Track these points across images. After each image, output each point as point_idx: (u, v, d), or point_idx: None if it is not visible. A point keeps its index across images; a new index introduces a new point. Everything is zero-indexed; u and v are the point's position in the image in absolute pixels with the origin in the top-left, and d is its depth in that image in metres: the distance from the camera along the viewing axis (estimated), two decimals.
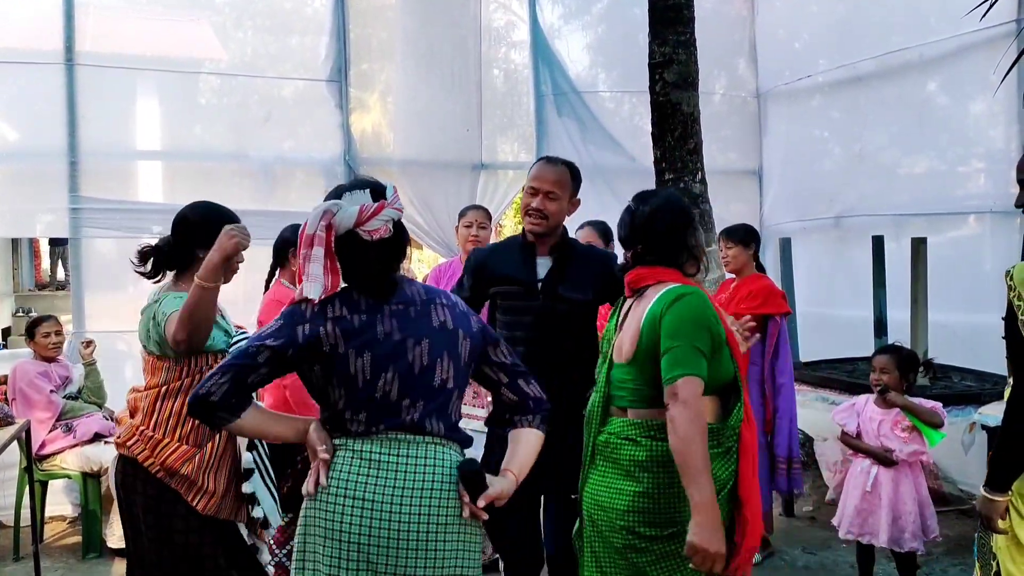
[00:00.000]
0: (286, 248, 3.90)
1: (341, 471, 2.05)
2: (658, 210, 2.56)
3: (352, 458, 2.06)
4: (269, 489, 2.94)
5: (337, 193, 2.16)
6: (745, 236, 4.62)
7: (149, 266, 2.79)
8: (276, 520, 2.99)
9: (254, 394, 2.15)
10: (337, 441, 2.09)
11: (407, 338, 2.10)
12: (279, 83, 6.28)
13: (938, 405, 3.81)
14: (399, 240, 2.16)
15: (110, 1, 6.04)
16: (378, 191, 2.13)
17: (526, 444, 2.22)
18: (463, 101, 6.53)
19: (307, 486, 2.09)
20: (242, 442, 2.82)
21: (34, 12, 5.86)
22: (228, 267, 2.62)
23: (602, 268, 3.17)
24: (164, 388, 2.64)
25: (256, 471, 2.86)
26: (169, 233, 2.81)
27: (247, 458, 2.84)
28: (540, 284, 3.13)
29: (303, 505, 2.12)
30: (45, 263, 9.74)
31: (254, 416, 2.10)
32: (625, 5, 6.78)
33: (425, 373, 2.10)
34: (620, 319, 2.63)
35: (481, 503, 2.04)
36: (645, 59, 5.54)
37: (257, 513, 2.86)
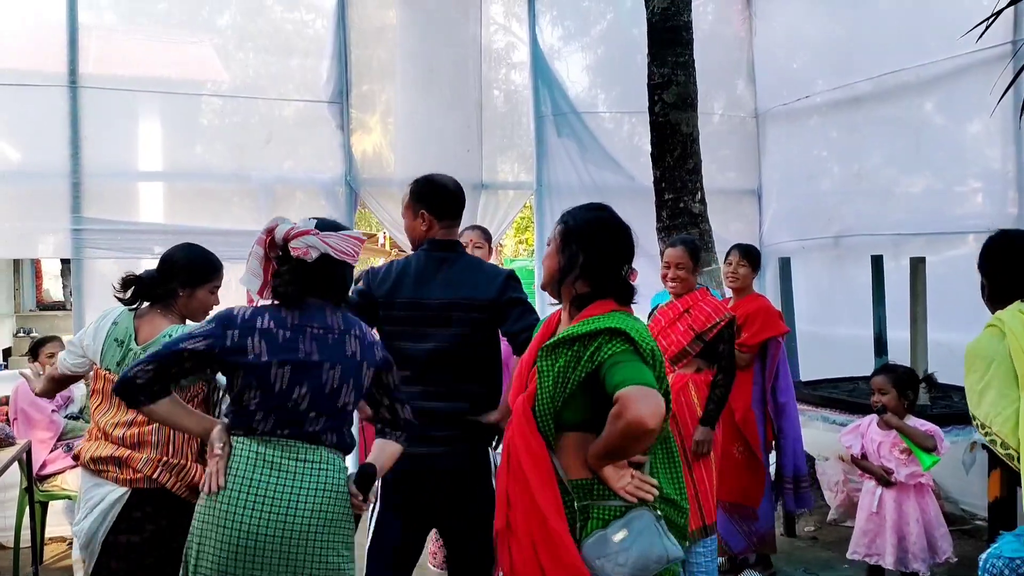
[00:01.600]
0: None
1: (241, 470, 2.30)
2: (591, 227, 2.43)
3: (254, 459, 2.31)
4: None
5: (331, 225, 2.51)
6: (754, 258, 4.69)
7: (129, 294, 2.95)
8: None
9: (172, 385, 2.41)
10: (239, 440, 2.34)
11: (323, 361, 2.39)
12: (280, 104, 6.32)
13: (935, 429, 3.82)
14: (327, 272, 2.43)
15: (113, 23, 6.06)
16: (330, 227, 2.46)
17: (390, 452, 2.57)
18: (463, 121, 6.56)
19: (206, 484, 2.30)
20: None
21: (37, 35, 5.90)
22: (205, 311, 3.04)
23: None
24: None
25: None
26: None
27: None
28: None
29: (198, 501, 2.35)
30: (47, 283, 9.75)
31: (168, 405, 2.38)
32: (625, 26, 6.85)
33: (332, 395, 2.40)
34: None
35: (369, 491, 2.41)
36: (644, 79, 5.60)
37: None
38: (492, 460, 3.25)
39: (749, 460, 4.48)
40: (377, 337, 2.59)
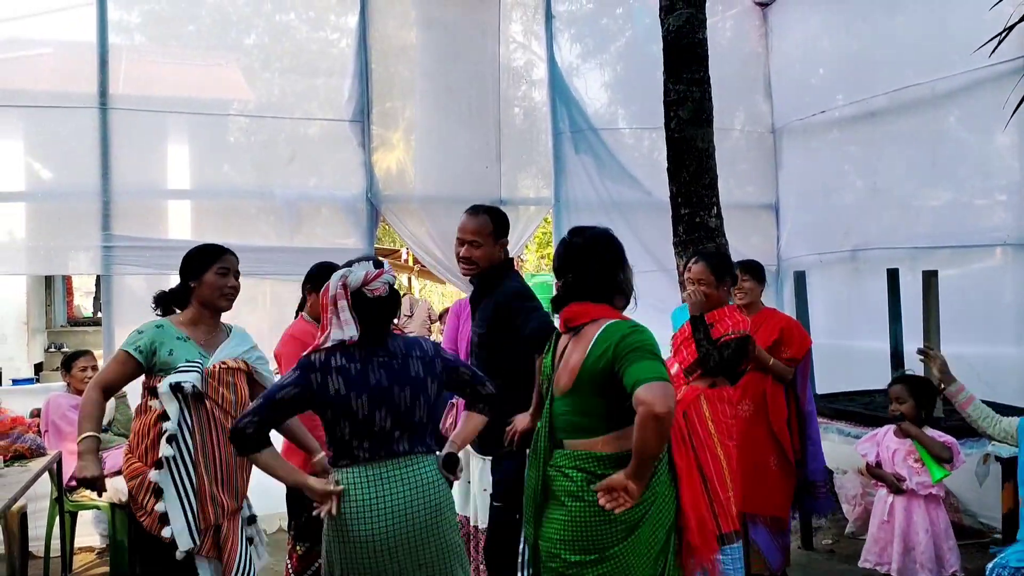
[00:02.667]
0: (305, 284, 4.02)
1: (357, 492, 2.62)
2: (591, 244, 2.72)
3: (364, 481, 2.63)
4: (184, 510, 3.10)
5: (348, 265, 2.78)
6: (759, 273, 4.76)
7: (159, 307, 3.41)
8: (185, 543, 3.09)
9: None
10: (347, 472, 2.66)
11: (393, 385, 2.69)
12: (304, 123, 6.45)
13: (952, 441, 3.84)
14: (393, 301, 2.76)
15: (142, 45, 6.21)
16: (377, 263, 2.77)
17: (473, 424, 2.96)
18: (483, 138, 6.67)
19: (325, 512, 2.62)
20: None
21: (69, 57, 6.09)
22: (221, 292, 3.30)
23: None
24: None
25: (173, 489, 3.08)
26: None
27: (155, 475, 3.08)
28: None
29: (324, 527, 2.69)
30: (78, 299, 9.95)
31: (269, 455, 2.66)
32: (642, 43, 6.93)
33: (409, 412, 2.71)
34: (557, 355, 2.77)
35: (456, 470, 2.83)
36: (662, 95, 5.66)
37: (166, 533, 3.06)
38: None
39: (784, 471, 4.52)
40: (436, 348, 2.90)
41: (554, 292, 2.84)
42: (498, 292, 3.65)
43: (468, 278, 3.82)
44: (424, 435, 2.77)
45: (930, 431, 3.90)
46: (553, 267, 2.86)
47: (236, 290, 3.37)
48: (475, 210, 3.74)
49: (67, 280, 9.43)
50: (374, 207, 6.37)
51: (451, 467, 2.83)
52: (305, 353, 2.73)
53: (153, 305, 3.38)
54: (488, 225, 3.66)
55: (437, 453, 2.82)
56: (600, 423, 2.58)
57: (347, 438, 2.67)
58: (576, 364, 2.61)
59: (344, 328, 2.69)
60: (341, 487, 2.63)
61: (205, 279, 3.28)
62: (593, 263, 2.70)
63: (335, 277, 2.73)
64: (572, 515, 2.60)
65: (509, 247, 3.95)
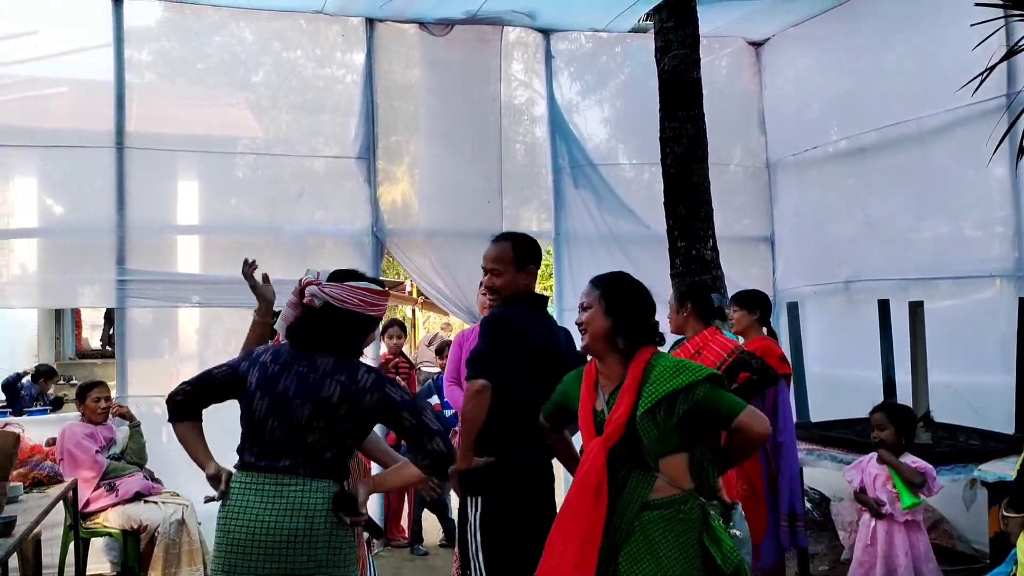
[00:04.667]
0: None
1: (235, 494, 2.61)
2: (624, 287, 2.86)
3: (238, 485, 2.62)
4: None
5: (344, 275, 2.79)
6: (747, 302, 4.92)
7: None
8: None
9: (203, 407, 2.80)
10: (236, 473, 2.66)
11: (296, 398, 2.62)
12: (311, 159, 6.61)
13: (926, 467, 3.95)
14: (331, 321, 2.69)
15: (153, 84, 6.37)
16: (349, 277, 2.76)
17: (401, 471, 2.81)
18: (485, 173, 6.83)
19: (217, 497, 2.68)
20: None
21: (85, 98, 6.30)
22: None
23: None
24: None
25: None
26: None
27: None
28: None
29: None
30: (86, 333, 10.10)
31: (187, 427, 2.76)
32: (640, 80, 7.10)
33: (300, 432, 2.61)
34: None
35: (357, 513, 2.60)
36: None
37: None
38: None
39: (751, 497, 4.62)
40: (379, 384, 2.70)
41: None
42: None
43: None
44: (315, 458, 2.61)
45: (907, 458, 4.02)
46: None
47: None
48: (497, 238, 3.61)
49: (76, 314, 9.59)
50: (379, 240, 6.52)
51: (345, 508, 2.60)
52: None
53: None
54: (508, 252, 3.49)
55: (330, 481, 2.64)
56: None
57: (243, 437, 2.69)
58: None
59: (281, 323, 2.79)
60: (226, 475, 2.66)
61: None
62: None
63: (302, 277, 2.79)
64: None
65: None
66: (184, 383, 2.75)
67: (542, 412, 3.05)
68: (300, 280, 2.76)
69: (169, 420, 2.77)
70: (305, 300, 2.68)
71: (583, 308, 2.81)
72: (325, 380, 2.64)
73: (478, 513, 3.39)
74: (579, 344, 2.90)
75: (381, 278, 6.91)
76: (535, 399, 3.10)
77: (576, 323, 2.85)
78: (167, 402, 2.74)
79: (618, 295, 2.77)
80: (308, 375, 2.65)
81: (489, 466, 3.32)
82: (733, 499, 4.03)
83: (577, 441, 3.05)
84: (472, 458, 3.30)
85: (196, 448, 2.77)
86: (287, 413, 2.61)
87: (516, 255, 3.50)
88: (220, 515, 2.63)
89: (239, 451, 2.70)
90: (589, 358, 2.88)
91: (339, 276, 2.77)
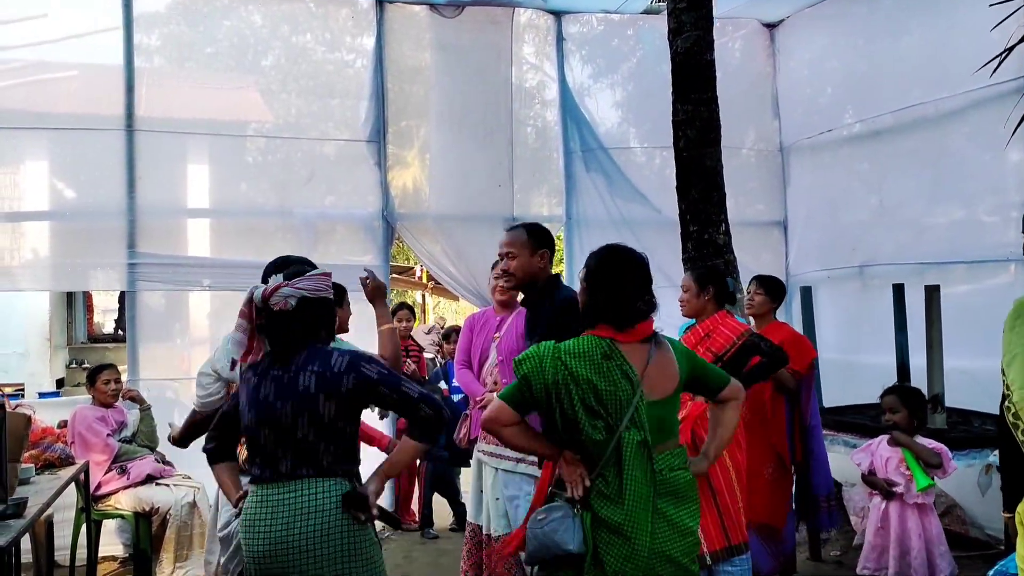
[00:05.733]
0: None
1: (248, 508, 2.64)
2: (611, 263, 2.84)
3: (253, 500, 2.63)
4: None
5: (274, 267, 2.81)
6: (772, 288, 4.94)
7: None
8: None
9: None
10: (251, 489, 2.67)
11: (276, 400, 2.61)
12: (321, 143, 6.61)
13: (942, 447, 3.93)
14: (310, 313, 2.66)
15: (163, 68, 6.37)
16: (296, 274, 2.68)
17: (402, 450, 2.78)
18: (496, 157, 6.81)
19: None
20: None
21: (95, 81, 6.28)
22: None
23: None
24: None
25: None
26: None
27: None
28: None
29: None
30: (97, 317, 10.12)
31: (223, 469, 2.87)
32: (652, 64, 7.06)
33: (289, 430, 2.60)
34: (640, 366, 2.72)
35: (368, 509, 2.59)
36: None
37: None
38: None
39: (779, 480, 4.63)
40: (354, 362, 2.67)
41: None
42: (549, 302, 3.65)
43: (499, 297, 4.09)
44: (313, 456, 2.60)
45: (921, 439, 3.99)
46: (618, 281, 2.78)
47: None
48: (512, 226, 3.81)
49: (87, 298, 9.59)
50: (389, 225, 6.51)
51: (357, 506, 2.59)
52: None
53: None
54: (522, 236, 3.67)
55: (338, 478, 2.62)
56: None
57: (249, 454, 2.79)
58: (675, 372, 2.72)
59: (234, 346, 2.68)
60: (241, 495, 2.73)
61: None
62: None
63: (249, 291, 2.70)
64: (695, 504, 2.73)
65: None
66: (210, 431, 2.87)
67: None
68: (249, 300, 2.67)
69: (210, 465, 2.89)
70: (278, 307, 2.61)
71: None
72: (299, 375, 2.62)
73: None
74: None
75: (391, 264, 6.95)
76: None
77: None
78: (205, 452, 2.88)
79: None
80: (282, 376, 2.63)
81: None
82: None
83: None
84: None
85: (226, 484, 2.87)
86: (273, 418, 2.61)
87: (530, 238, 3.66)
88: (241, 533, 2.67)
89: (248, 468, 2.79)
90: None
91: (293, 272, 2.70)
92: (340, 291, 3.75)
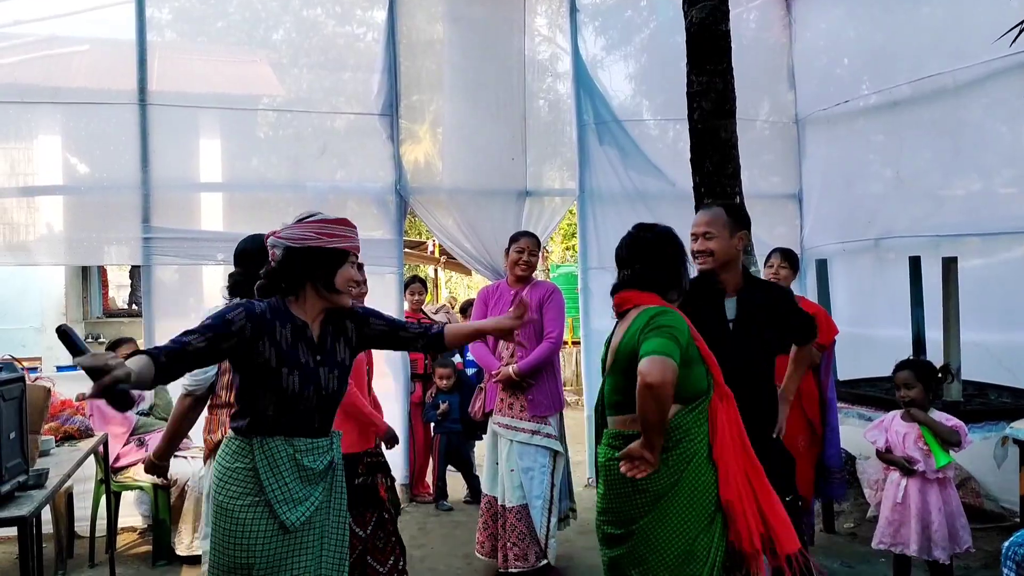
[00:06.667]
0: None
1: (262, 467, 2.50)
2: (662, 239, 2.87)
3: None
4: None
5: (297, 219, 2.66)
6: (795, 262, 4.99)
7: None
8: None
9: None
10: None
11: (318, 369, 2.57)
12: (333, 117, 6.59)
13: (959, 424, 3.91)
14: (297, 263, 2.55)
15: (174, 42, 6.36)
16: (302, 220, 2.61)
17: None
18: (509, 131, 6.78)
19: None
20: None
21: (107, 55, 6.28)
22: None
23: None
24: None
25: None
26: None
27: None
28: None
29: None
30: (112, 292, 10.19)
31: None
32: (666, 35, 6.99)
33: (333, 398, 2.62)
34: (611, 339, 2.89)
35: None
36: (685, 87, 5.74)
37: None
38: None
39: (810, 452, 4.67)
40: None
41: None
42: (762, 292, 3.57)
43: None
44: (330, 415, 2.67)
45: (937, 414, 3.98)
46: (617, 257, 2.95)
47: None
48: (709, 204, 3.73)
49: (103, 273, 9.65)
50: (403, 199, 6.50)
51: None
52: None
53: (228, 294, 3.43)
54: (722, 216, 3.45)
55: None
56: (629, 401, 2.67)
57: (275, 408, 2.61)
58: (615, 345, 2.78)
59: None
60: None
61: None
62: (658, 256, 2.85)
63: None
64: (608, 487, 2.78)
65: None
66: (192, 333, 2.41)
67: None
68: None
69: (166, 380, 2.42)
70: (271, 259, 2.58)
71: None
72: (338, 341, 2.66)
73: None
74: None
75: (404, 238, 6.94)
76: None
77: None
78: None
79: (646, 245, 2.91)
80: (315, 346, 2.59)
81: None
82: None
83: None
84: None
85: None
86: (317, 383, 2.55)
87: (730, 219, 3.45)
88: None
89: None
90: None
91: (294, 222, 2.63)
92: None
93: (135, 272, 9.70)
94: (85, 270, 9.08)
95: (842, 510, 5.63)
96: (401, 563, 3.80)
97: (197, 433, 5.39)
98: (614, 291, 2.91)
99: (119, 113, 5.91)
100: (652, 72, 7.39)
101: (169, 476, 5.00)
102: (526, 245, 4.82)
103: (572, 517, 5.02)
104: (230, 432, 2.61)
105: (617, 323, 2.89)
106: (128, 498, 5.51)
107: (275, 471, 2.50)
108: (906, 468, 3.90)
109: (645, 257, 2.85)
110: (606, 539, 2.81)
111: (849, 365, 5.96)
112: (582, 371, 7.13)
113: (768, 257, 5.02)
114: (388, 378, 6.28)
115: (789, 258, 4.95)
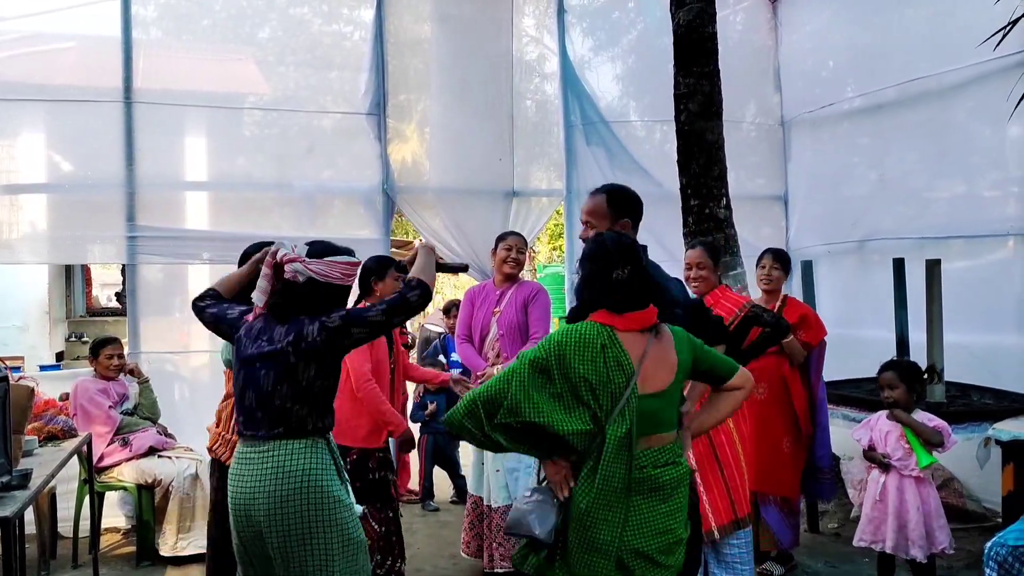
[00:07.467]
0: (368, 277, 4.08)
1: (232, 465, 2.77)
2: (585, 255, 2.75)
3: (237, 456, 2.76)
4: None
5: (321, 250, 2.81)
6: (789, 262, 5.00)
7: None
8: None
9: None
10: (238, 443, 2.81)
11: (260, 366, 2.70)
12: (320, 116, 6.56)
13: (943, 425, 3.94)
14: (314, 293, 2.72)
15: (159, 39, 6.29)
16: (322, 252, 2.77)
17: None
18: (496, 131, 6.78)
19: None
20: None
21: (92, 53, 6.23)
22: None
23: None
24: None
25: None
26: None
27: None
28: None
29: None
30: (95, 291, 10.10)
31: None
32: (654, 36, 7.01)
33: (269, 395, 2.69)
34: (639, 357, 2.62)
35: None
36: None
37: None
38: None
39: (797, 453, 4.70)
40: (321, 316, 2.72)
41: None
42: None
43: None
44: (288, 423, 2.69)
45: (921, 415, 4.01)
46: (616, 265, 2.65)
47: None
48: (596, 189, 3.32)
49: (86, 272, 9.57)
50: (390, 199, 6.48)
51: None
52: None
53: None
54: (602, 203, 3.20)
55: (311, 438, 2.71)
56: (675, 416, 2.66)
57: (236, 411, 2.86)
58: (673, 363, 2.62)
59: (258, 294, 2.76)
60: None
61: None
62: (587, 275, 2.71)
63: (276, 245, 2.78)
64: (681, 501, 2.63)
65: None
66: (209, 296, 3.03)
67: None
68: (274, 253, 2.74)
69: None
70: (288, 276, 2.69)
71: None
72: (280, 343, 2.71)
73: None
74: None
75: (391, 238, 6.93)
76: None
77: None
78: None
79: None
80: (267, 342, 2.72)
81: None
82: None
83: None
84: None
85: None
86: (254, 381, 2.71)
87: (611, 207, 3.21)
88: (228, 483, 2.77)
89: (237, 420, 2.85)
90: None
91: (318, 251, 2.78)
92: (385, 263, 4.07)
93: (124, 269, 9.66)
94: (68, 268, 9.01)
95: (826, 510, 5.66)
96: (400, 564, 3.82)
97: (182, 433, 5.42)
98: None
99: (104, 111, 5.87)
100: (639, 73, 7.41)
101: (154, 477, 5.01)
102: (514, 243, 4.82)
103: None
104: (318, 437, 2.73)
105: (641, 337, 2.61)
106: (112, 498, 5.47)
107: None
108: (884, 464, 3.94)
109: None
110: (666, 549, 2.58)
111: (833, 366, 5.97)
112: None
113: (760, 258, 5.00)
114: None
115: (781, 259, 4.90)
